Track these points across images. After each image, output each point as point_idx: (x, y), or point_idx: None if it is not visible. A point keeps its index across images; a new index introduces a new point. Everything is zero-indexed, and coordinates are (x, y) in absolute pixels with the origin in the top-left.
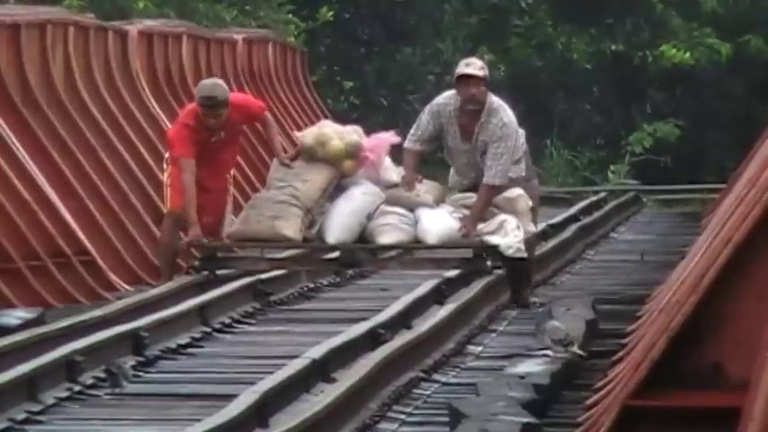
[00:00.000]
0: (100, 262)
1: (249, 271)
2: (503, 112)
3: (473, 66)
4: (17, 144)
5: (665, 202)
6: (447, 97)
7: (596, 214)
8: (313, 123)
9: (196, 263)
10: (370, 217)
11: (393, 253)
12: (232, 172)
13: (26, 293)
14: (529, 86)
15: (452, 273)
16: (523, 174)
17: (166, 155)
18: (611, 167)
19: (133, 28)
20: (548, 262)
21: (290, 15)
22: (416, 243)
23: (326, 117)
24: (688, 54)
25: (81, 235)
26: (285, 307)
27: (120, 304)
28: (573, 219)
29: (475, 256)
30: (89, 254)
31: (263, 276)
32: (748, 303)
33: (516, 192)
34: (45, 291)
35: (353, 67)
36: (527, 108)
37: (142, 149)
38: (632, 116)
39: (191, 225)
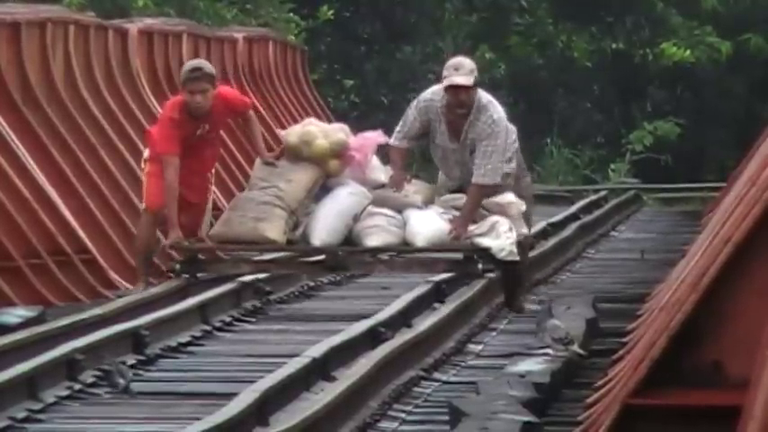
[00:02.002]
0: (100, 260)
1: (231, 275)
2: (492, 108)
3: (463, 71)
4: (17, 143)
5: (666, 201)
6: (434, 93)
7: (597, 213)
8: None
9: (176, 266)
10: (356, 218)
11: (380, 256)
12: (213, 170)
13: (26, 292)
14: (529, 85)
15: (442, 276)
16: (515, 171)
17: (145, 153)
18: (612, 166)
19: (133, 26)
20: (548, 260)
21: (291, 14)
22: (405, 245)
23: (327, 116)
24: (688, 52)
25: (81, 233)
26: (285, 305)
27: (120, 303)
28: (573, 217)
29: (466, 259)
30: (89, 252)
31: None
32: (748, 302)
33: (508, 197)
34: (45, 289)
35: (354, 65)
36: (527, 106)
37: (143, 148)
38: (633, 114)
39: (171, 227)
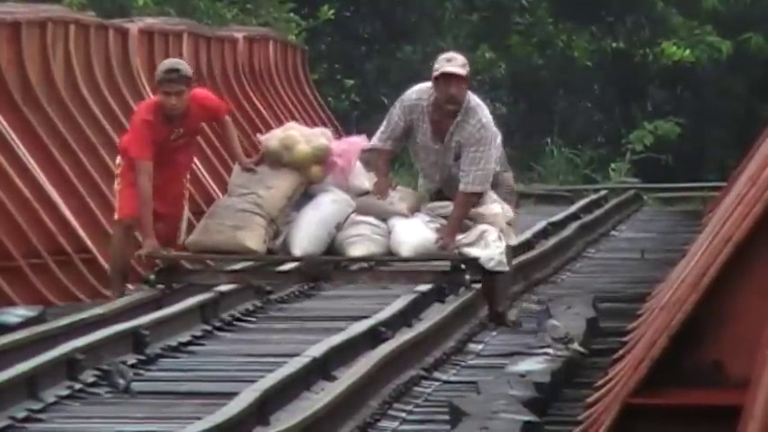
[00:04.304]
0: (101, 260)
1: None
2: (481, 111)
3: (455, 62)
4: (18, 142)
5: (666, 200)
6: (420, 91)
7: (597, 212)
8: (314, 121)
9: (152, 276)
10: (339, 227)
11: (364, 266)
12: (188, 176)
13: (27, 291)
14: (529, 84)
15: (428, 287)
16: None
17: (117, 159)
18: (612, 165)
19: (134, 26)
20: (548, 260)
21: (291, 14)
22: (390, 255)
23: (328, 115)
24: (688, 52)
25: (82, 233)
26: (286, 305)
27: (120, 302)
28: (573, 217)
29: (453, 269)
30: (90, 252)
31: None
32: (749, 301)
33: (495, 209)
34: (46, 289)
35: (354, 65)
36: (527, 106)
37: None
38: (633, 114)
39: (146, 235)
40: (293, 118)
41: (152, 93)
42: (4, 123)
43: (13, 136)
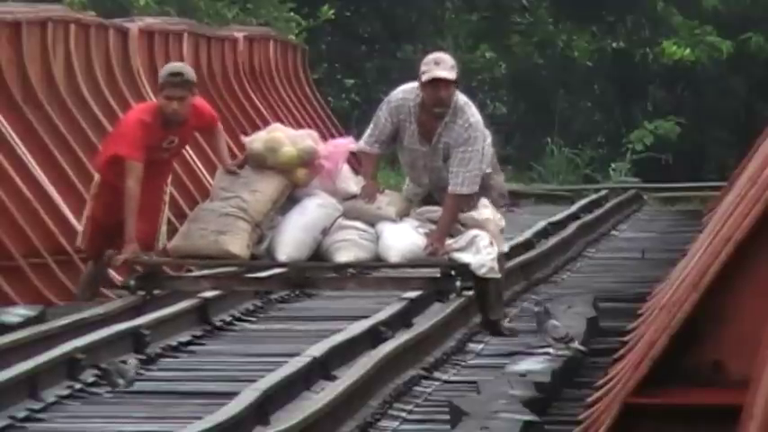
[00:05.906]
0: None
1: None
2: (469, 110)
3: (444, 65)
4: (18, 141)
5: (666, 200)
6: (407, 91)
7: (597, 212)
8: (314, 121)
9: (131, 282)
10: (325, 232)
11: (351, 272)
12: (169, 180)
13: (27, 291)
14: (530, 84)
15: (417, 294)
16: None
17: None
18: (612, 165)
19: (134, 26)
20: (548, 260)
21: (292, 13)
22: (377, 261)
23: (328, 115)
24: (689, 51)
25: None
26: (286, 304)
27: (120, 302)
28: (574, 216)
29: (443, 276)
30: None
31: None
32: (749, 301)
33: (486, 213)
34: (46, 288)
35: (354, 64)
36: (527, 106)
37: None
38: (633, 114)
39: (128, 240)
40: (293, 118)
41: (153, 93)
42: (5, 123)
43: (14, 135)
